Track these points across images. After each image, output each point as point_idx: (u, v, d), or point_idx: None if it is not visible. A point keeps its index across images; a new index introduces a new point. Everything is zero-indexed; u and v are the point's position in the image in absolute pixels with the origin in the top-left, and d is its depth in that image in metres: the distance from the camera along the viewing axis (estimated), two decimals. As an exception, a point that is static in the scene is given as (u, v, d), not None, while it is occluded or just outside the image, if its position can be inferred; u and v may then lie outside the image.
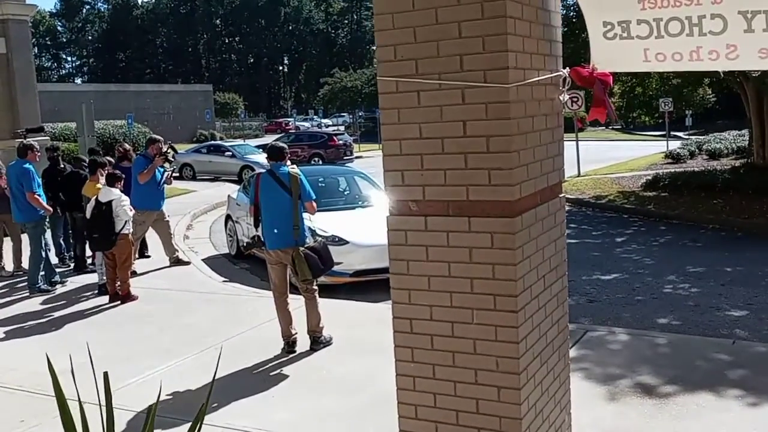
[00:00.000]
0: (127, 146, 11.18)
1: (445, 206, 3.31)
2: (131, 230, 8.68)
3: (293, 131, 46.05)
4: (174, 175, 11.35)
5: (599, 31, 3.52)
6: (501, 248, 3.21)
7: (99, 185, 8.79)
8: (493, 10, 3.07)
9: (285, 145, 6.91)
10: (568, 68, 3.69)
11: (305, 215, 6.65)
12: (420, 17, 3.22)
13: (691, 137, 33.05)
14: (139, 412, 5.10)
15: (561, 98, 3.70)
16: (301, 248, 6.32)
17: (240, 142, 35.74)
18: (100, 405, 2.51)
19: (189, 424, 2.80)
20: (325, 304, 6.85)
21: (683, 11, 3.23)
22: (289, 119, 67.89)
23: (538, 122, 3.44)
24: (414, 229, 3.39)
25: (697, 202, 15.07)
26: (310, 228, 7.42)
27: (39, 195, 9.16)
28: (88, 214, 8.46)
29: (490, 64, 3.11)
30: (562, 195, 3.87)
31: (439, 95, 3.23)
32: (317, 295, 6.65)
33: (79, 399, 2.55)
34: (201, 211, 17.55)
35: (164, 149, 10.29)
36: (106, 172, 8.88)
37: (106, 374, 2.58)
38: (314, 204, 6.63)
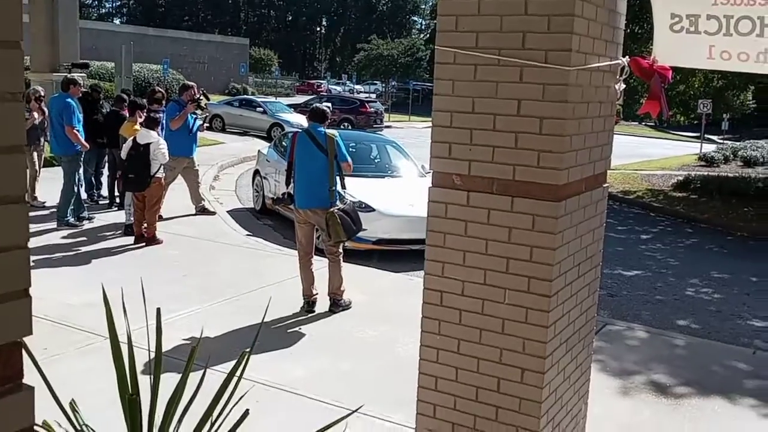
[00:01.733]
0: (161, 90, 11.19)
1: (489, 183, 3.29)
2: (164, 174, 8.76)
3: (325, 94, 45.90)
4: (205, 125, 11.42)
5: (666, 23, 3.45)
6: (541, 231, 3.19)
7: (137, 127, 8.85)
8: (563, -11, 3.02)
9: (329, 110, 6.89)
10: (627, 57, 3.63)
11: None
12: (487, -11, 3.17)
13: (725, 141, 32.55)
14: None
15: (617, 87, 3.64)
16: (335, 210, 6.33)
17: (272, 99, 35.69)
18: (149, 341, 2.55)
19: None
20: (347, 269, 6.88)
21: (757, 11, 3.15)
22: (321, 81, 67.58)
23: (592, 109, 3.39)
24: (455, 203, 3.38)
25: (728, 207, 14.89)
26: (338, 191, 7.43)
27: (78, 130, 9.24)
28: (123, 155, 8.54)
29: (553, 44, 3.06)
30: (606, 185, 3.83)
31: (496, 71, 3.20)
32: (341, 258, 6.68)
33: (128, 333, 2.58)
34: (228, 164, 17.63)
35: (197, 96, 10.39)
36: (145, 114, 8.93)
37: (158, 310, 2.63)
38: (350, 164, 6.63)
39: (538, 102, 3.13)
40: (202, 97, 10.61)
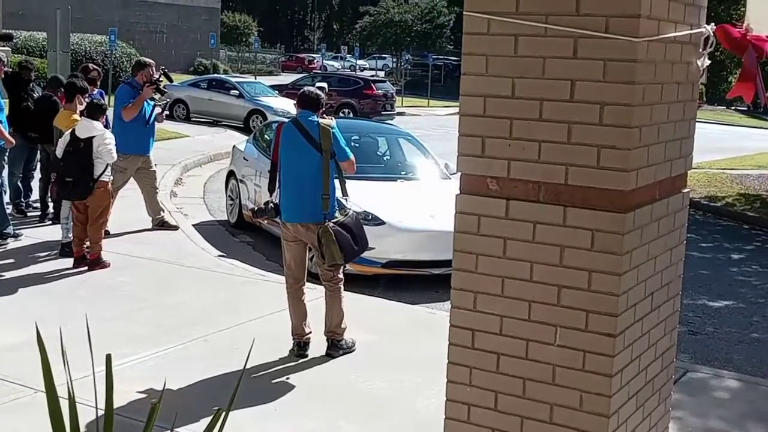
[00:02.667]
0: (96, 67, 11.20)
1: (535, 189, 3.30)
2: (111, 178, 8.80)
3: (319, 71, 46.07)
4: (165, 113, 11.50)
5: (762, -20, 3.46)
6: (603, 251, 3.20)
7: (76, 116, 8.89)
8: (629, -62, 3.04)
9: (323, 95, 6.91)
10: (713, 25, 3.64)
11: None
12: (530, -62, 3.20)
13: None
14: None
15: (700, 63, 3.65)
16: (330, 224, 6.33)
17: (250, 78, 35.88)
18: (96, 394, 2.56)
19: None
20: (349, 300, 6.89)
21: None
22: (314, 56, 67.91)
23: (668, 92, 3.41)
24: (490, 215, 3.39)
25: None
26: (336, 199, 7.46)
27: (1, 122, 9.29)
28: (59, 152, 8.57)
29: (616, 9, 3.08)
30: (687, 190, 3.84)
31: (543, 44, 3.22)
32: (342, 286, 6.69)
33: (69, 384, 2.59)
34: (194, 163, 17.74)
35: (156, 77, 10.42)
36: (87, 100, 8.98)
37: (108, 357, 2.64)
38: (353, 163, 6.65)
39: (597, 83, 3.15)
40: (162, 78, 10.64)
